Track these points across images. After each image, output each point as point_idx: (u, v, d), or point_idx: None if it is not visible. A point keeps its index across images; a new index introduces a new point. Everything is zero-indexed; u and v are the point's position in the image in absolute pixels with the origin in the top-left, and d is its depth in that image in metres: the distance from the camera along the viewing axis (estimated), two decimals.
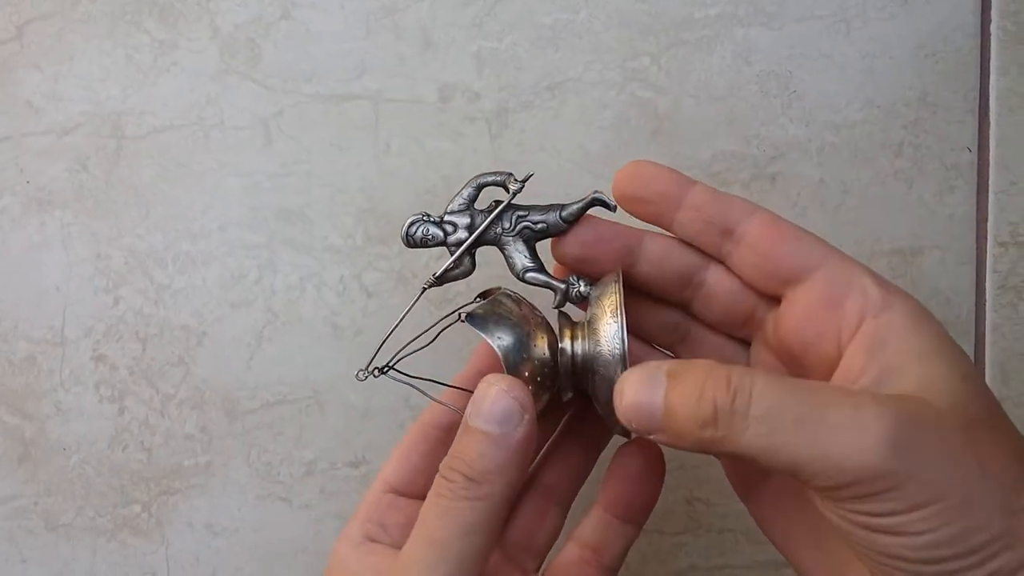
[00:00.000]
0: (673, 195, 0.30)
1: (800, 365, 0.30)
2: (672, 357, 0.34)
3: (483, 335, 0.30)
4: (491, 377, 0.29)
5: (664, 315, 0.33)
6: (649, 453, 0.32)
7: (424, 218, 0.32)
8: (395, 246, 0.40)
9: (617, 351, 0.29)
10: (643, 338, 0.34)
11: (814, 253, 0.29)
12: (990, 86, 0.40)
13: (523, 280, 0.32)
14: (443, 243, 0.32)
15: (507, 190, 0.32)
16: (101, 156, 0.40)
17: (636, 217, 0.32)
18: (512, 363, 0.30)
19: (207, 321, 0.41)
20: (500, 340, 0.30)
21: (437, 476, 0.29)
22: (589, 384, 0.30)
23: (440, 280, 0.32)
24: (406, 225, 0.32)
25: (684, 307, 0.33)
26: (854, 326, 0.27)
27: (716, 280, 0.31)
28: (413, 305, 0.32)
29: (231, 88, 0.40)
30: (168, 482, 0.41)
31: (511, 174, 0.32)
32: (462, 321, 0.31)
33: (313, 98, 0.40)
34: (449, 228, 0.32)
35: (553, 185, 0.40)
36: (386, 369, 0.31)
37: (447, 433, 0.32)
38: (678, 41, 0.40)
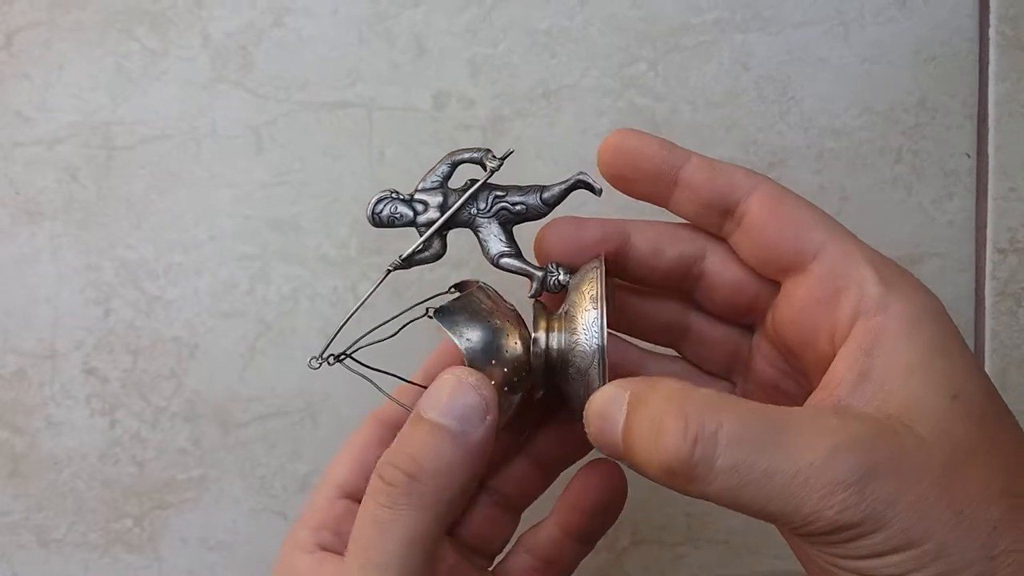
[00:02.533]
0: (665, 173, 0.28)
1: (797, 359, 0.28)
2: (673, 355, 0.33)
3: (449, 334, 0.27)
4: (457, 369, 0.26)
5: (661, 312, 0.31)
6: (611, 480, 0.31)
7: (392, 195, 0.29)
8: (390, 256, 0.39)
9: (595, 342, 0.26)
10: (641, 336, 0.32)
11: (814, 238, 0.27)
12: (988, 91, 0.40)
13: (497, 266, 0.29)
14: (412, 223, 0.29)
15: (484, 168, 0.29)
16: (91, 166, 0.39)
17: (627, 195, 0.29)
18: (478, 367, 0.27)
19: (199, 333, 0.40)
20: (468, 341, 0.27)
21: (372, 477, 0.25)
22: (562, 380, 0.28)
23: (407, 262, 0.29)
24: (372, 202, 0.29)
25: (685, 296, 0.31)
26: (847, 326, 0.25)
27: (716, 270, 0.29)
28: (376, 288, 0.30)
29: (223, 97, 0.39)
30: (161, 496, 0.41)
31: (489, 150, 0.29)
32: (429, 317, 0.28)
33: (306, 106, 0.39)
34: (419, 207, 0.29)
35: None
36: (342, 357, 0.29)
37: None
38: (675, 47, 0.39)
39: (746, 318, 0.31)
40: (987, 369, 0.41)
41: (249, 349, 0.40)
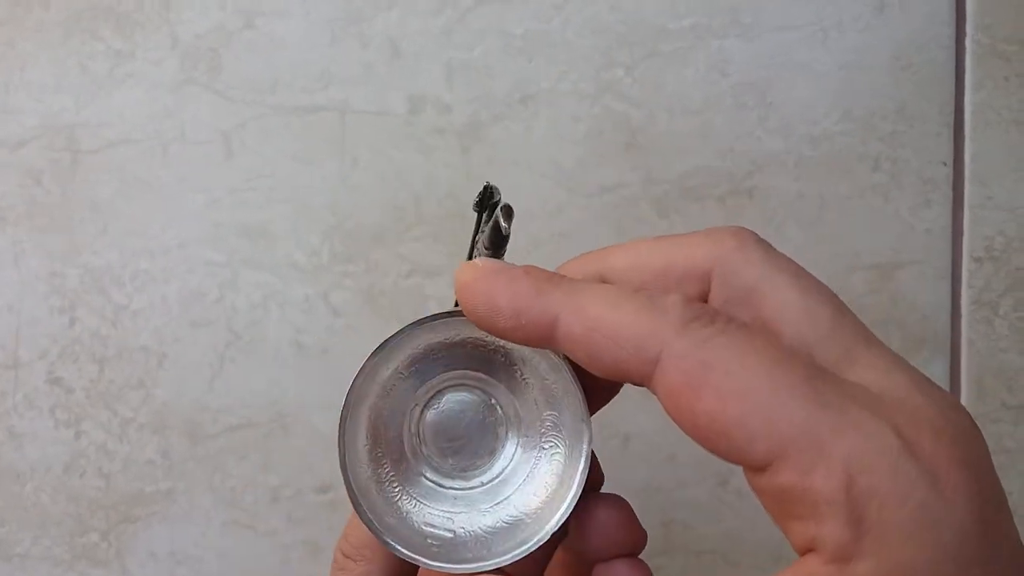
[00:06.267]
0: (538, 344, 0.22)
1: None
2: None
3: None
4: None
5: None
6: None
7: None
8: (362, 263, 0.39)
9: None
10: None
11: (757, 449, 0.19)
12: (965, 100, 0.40)
13: None
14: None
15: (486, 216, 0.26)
16: (55, 170, 0.38)
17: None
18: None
19: (167, 342, 0.39)
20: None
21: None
22: None
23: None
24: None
25: None
26: (801, 547, 0.20)
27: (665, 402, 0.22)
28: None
29: (191, 100, 0.38)
30: (128, 509, 0.40)
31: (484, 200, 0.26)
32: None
33: (277, 110, 0.39)
34: None
35: (527, 201, 0.39)
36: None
37: None
38: (653, 52, 0.39)
39: None
40: (963, 377, 0.41)
41: (218, 358, 0.39)
